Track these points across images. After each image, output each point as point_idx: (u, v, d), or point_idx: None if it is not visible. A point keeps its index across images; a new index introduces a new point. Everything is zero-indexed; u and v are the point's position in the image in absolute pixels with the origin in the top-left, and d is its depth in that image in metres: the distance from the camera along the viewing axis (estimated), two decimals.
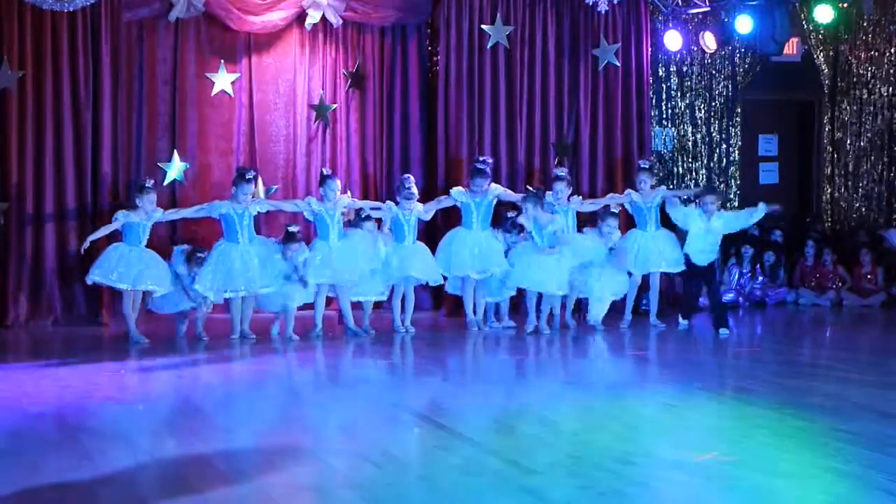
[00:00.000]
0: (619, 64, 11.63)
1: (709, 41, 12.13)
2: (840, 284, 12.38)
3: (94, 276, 8.59)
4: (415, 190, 9.41)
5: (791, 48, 12.94)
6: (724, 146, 12.98)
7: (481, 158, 9.86)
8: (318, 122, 11.11)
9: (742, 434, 5.29)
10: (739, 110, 13.07)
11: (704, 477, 4.41)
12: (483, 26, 11.23)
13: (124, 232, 8.76)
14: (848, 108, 13.31)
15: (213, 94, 10.74)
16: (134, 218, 8.71)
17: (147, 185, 8.93)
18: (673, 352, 8.39)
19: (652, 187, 9.67)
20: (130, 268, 8.52)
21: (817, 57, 13.19)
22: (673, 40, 12.07)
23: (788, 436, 5.23)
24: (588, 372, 7.58)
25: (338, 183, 9.16)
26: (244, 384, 7.02)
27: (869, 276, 12.31)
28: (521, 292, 9.44)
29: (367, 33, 11.27)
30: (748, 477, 4.40)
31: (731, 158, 13.03)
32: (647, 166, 9.87)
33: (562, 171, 9.83)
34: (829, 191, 13.62)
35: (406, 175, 9.74)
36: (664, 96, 12.68)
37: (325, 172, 9.36)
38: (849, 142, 13.36)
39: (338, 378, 7.38)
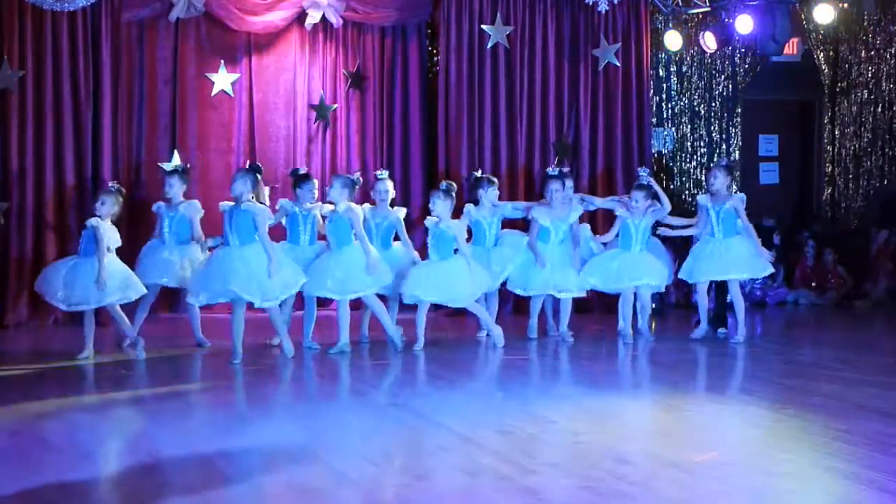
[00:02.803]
0: (619, 64, 11.63)
1: (709, 41, 12.13)
2: (840, 284, 12.40)
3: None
4: (387, 187, 8.59)
5: (791, 48, 12.95)
6: (725, 146, 12.99)
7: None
8: (318, 123, 11.12)
9: (742, 434, 5.29)
10: (739, 110, 13.08)
11: (704, 477, 4.41)
12: (483, 26, 11.24)
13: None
14: (848, 108, 13.31)
15: (213, 94, 10.75)
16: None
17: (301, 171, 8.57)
18: (672, 352, 8.39)
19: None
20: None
21: (817, 57, 13.20)
22: (673, 40, 12.07)
23: (788, 436, 5.23)
24: (588, 372, 7.58)
25: (315, 184, 8.55)
26: (243, 384, 7.01)
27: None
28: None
29: (367, 33, 11.27)
30: (748, 477, 4.40)
31: (732, 158, 13.03)
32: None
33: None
34: (829, 191, 13.62)
35: (378, 170, 8.94)
36: (664, 96, 12.68)
37: (300, 172, 8.65)
38: (849, 142, 13.36)
39: (337, 378, 7.38)
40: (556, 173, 9.02)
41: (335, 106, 11.16)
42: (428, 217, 8.52)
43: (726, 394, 6.65)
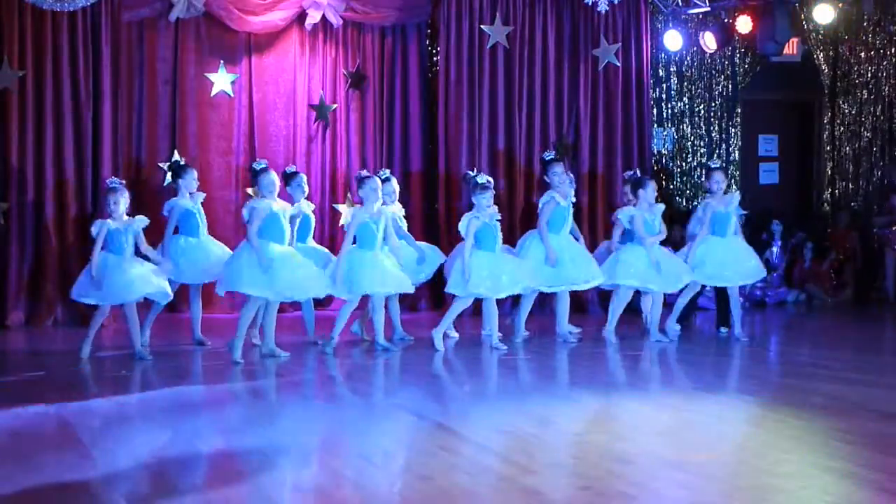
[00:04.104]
0: (619, 64, 11.63)
1: (709, 41, 12.12)
2: (839, 285, 12.41)
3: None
4: (395, 187, 8.80)
5: (791, 48, 12.94)
6: (724, 146, 12.98)
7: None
8: (318, 123, 11.12)
9: (742, 434, 5.29)
10: (739, 110, 13.07)
11: (704, 477, 4.41)
12: (483, 26, 11.24)
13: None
14: (848, 108, 13.31)
15: (213, 94, 10.75)
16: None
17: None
18: (672, 352, 8.39)
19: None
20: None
21: (817, 57, 13.19)
22: (673, 40, 12.07)
23: (788, 436, 5.23)
24: (588, 372, 7.57)
25: (304, 178, 8.51)
26: (244, 384, 7.01)
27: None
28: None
29: (367, 33, 11.28)
30: (748, 477, 4.40)
31: (731, 158, 13.03)
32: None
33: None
34: (829, 191, 13.62)
35: (380, 169, 9.00)
36: (664, 96, 12.68)
37: (288, 171, 8.60)
38: (849, 142, 13.36)
39: (337, 378, 7.38)
40: (554, 156, 8.93)
41: (335, 106, 11.16)
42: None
43: (726, 394, 6.65)
